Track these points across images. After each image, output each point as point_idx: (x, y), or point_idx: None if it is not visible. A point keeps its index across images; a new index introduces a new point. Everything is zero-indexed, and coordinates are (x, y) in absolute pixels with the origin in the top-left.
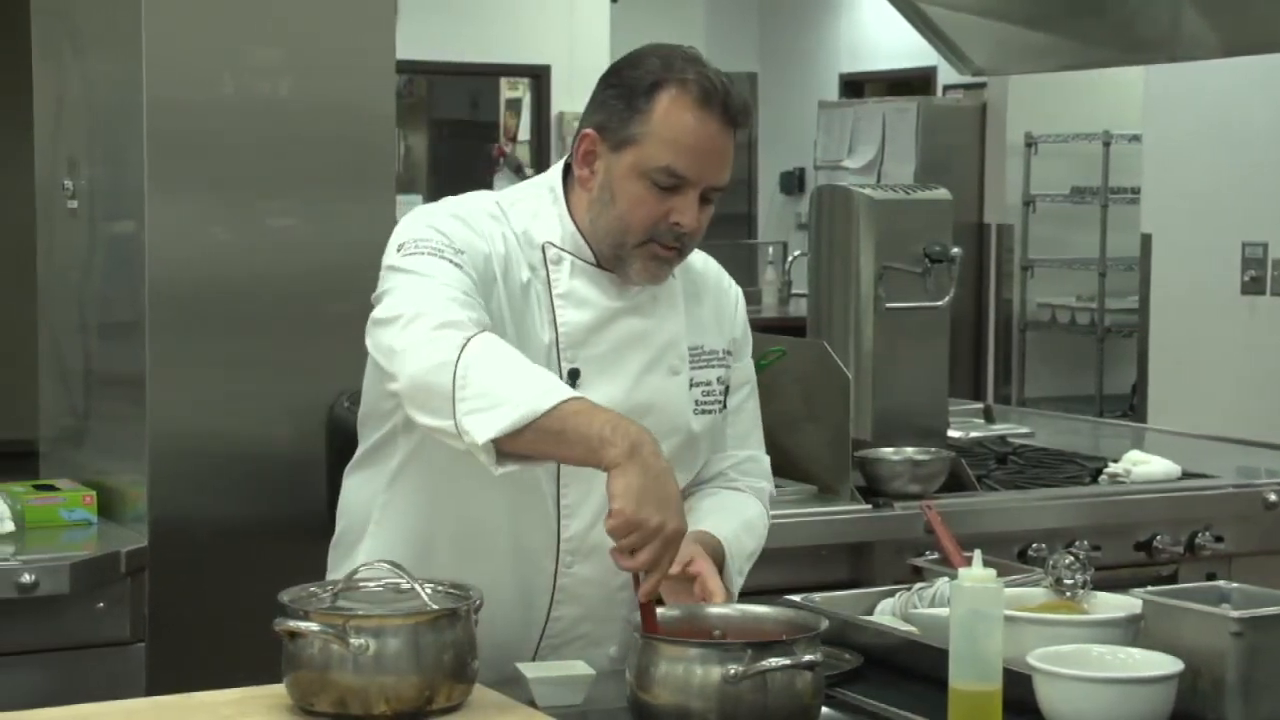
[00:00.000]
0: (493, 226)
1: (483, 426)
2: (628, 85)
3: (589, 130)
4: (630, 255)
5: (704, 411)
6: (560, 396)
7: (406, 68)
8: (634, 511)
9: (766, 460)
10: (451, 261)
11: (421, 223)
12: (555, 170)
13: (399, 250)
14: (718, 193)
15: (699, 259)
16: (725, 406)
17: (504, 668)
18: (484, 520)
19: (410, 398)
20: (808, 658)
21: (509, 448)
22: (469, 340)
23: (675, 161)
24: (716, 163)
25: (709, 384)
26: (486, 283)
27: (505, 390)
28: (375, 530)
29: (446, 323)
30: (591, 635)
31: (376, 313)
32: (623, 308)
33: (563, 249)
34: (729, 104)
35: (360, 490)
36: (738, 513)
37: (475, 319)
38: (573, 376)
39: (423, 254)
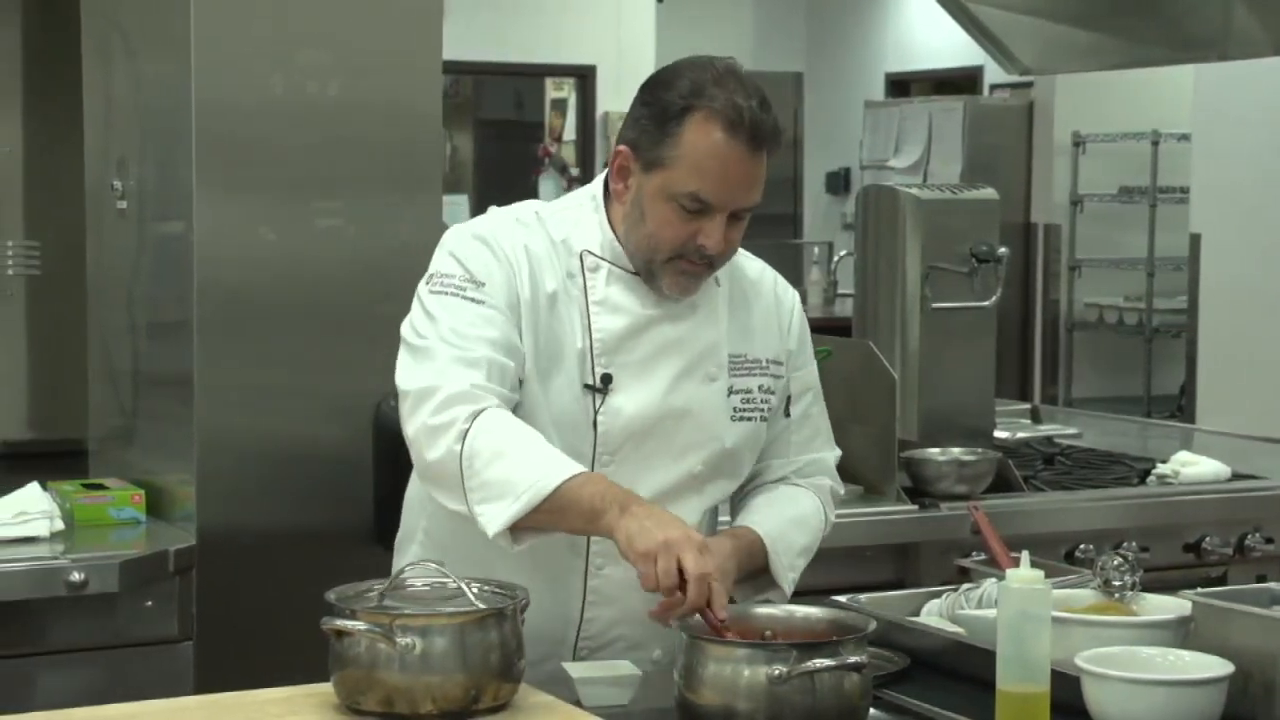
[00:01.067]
0: (516, 239)
1: (492, 517)
2: (660, 106)
3: (623, 146)
4: (660, 270)
5: (742, 419)
6: (560, 478)
7: (453, 68)
8: (642, 550)
9: (833, 457)
10: (471, 299)
11: (449, 250)
12: (599, 179)
13: (427, 282)
14: (749, 211)
15: (755, 267)
16: (767, 416)
17: (546, 667)
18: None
19: (428, 481)
20: (854, 659)
21: (523, 524)
22: (471, 423)
23: (701, 188)
24: (743, 188)
25: (749, 391)
26: (512, 302)
27: (509, 478)
28: (427, 526)
29: (450, 398)
30: (630, 638)
31: (401, 354)
32: (658, 315)
33: (601, 257)
34: (757, 130)
35: (416, 487)
36: (788, 507)
37: (482, 378)
38: (605, 381)
39: (446, 293)
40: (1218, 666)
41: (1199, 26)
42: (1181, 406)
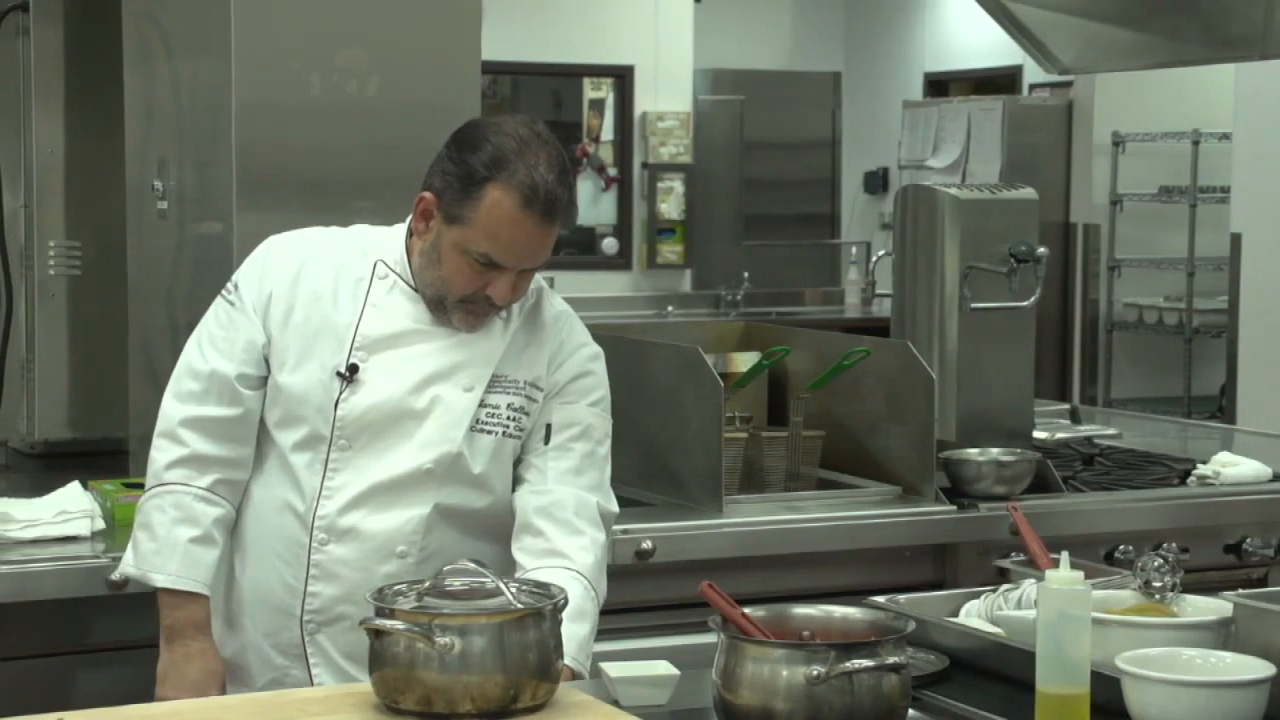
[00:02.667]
0: (300, 246)
1: (123, 560)
2: (466, 169)
3: (428, 194)
4: (451, 308)
5: (482, 430)
6: (154, 581)
7: (491, 68)
8: (166, 689)
9: (601, 503)
10: (229, 301)
11: (245, 262)
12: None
13: (226, 284)
14: (537, 268)
15: (554, 309)
16: (512, 434)
17: (282, 638)
18: (260, 487)
19: None
20: (892, 659)
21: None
22: (148, 496)
23: (493, 251)
24: (532, 253)
25: (496, 408)
26: (269, 309)
27: (141, 548)
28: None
29: (161, 434)
30: (355, 616)
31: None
32: (426, 329)
33: (392, 269)
34: (550, 206)
35: None
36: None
37: (197, 409)
38: (352, 370)
39: (223, 298)
40: (1259, 668)
41: (1239, 25)
42: (1222, 407)
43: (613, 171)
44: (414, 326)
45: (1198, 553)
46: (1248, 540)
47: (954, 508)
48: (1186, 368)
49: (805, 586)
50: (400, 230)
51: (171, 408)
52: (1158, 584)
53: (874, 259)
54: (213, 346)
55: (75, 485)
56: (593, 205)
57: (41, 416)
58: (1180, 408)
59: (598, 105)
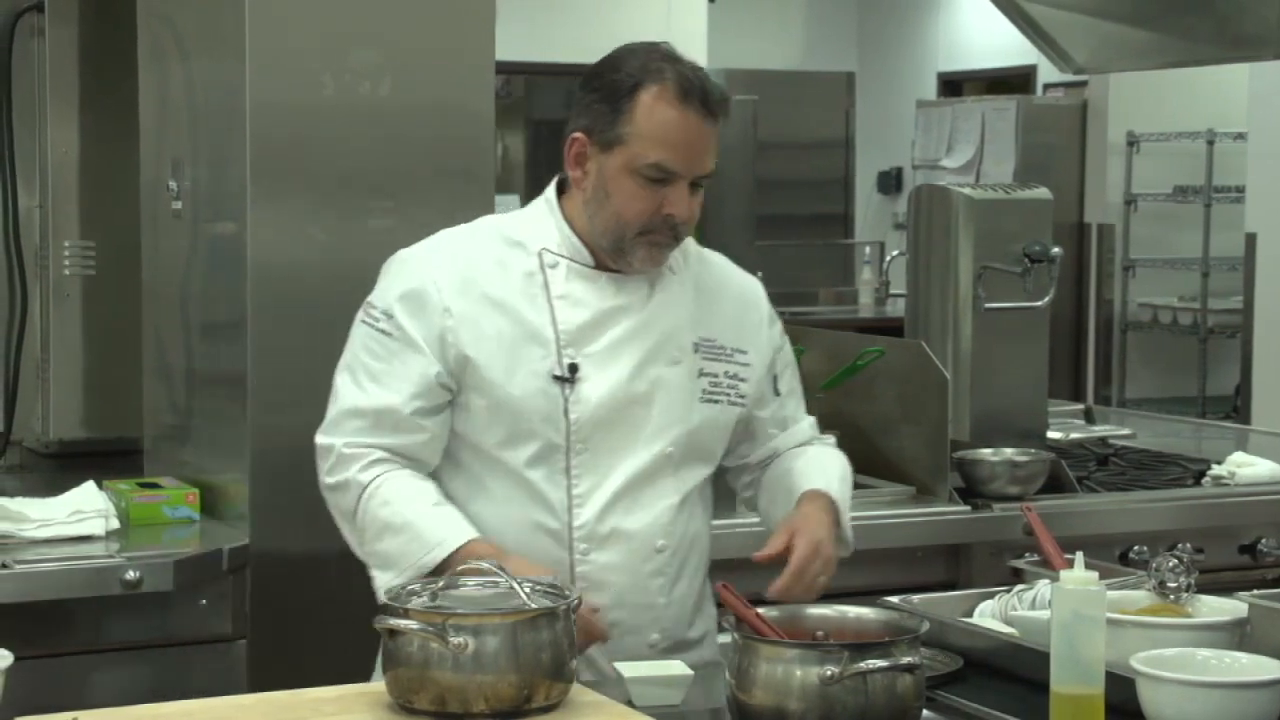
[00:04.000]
0: (452, 254)
1: (380, 584)
2: (610, 88)
3: (577, 134)
4: (630, 245)
5: (709, 400)
6: (436, 559)
7: (504, 68)
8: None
9: (811, 420)
10: (383, 331)
11: (385, 281)
12: (550, 186)
13: (363, 309)
14: (706, 179)
15: (716, 259)
16: (736, 402)
17: None
18: (497, 514)
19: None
20: (905, 660)
21: None
22: (359, 500)
23: (663, 157)
24: (701, 153)
25: (716, 376)
26: (450, 325)
27: (391, 554)
28: None
29: (342, 459)
30: (626, 623)
31: (334, 387)
32: (619, 306)
33: (559, 254)
34: (707, 97)
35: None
36: (831, 466)
37: (376, 435)
38: (572, 370)
39: (365, 322)
40: (1274, 669)
41: (1254, 25)
42: (1237, 407)
43: None
44: (605, 307)
45: (1212, 553)
46: (1263, 541)
47: (968, 508)
48: (1201, 368)
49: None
50: (538, 212)
51: (338, 446)
52: (1172, 584)
53: (888, 259)
54: (374, 382)
55: (90, 485)
56: None
57: (56, 416)
58: (1195, 408)
59: None
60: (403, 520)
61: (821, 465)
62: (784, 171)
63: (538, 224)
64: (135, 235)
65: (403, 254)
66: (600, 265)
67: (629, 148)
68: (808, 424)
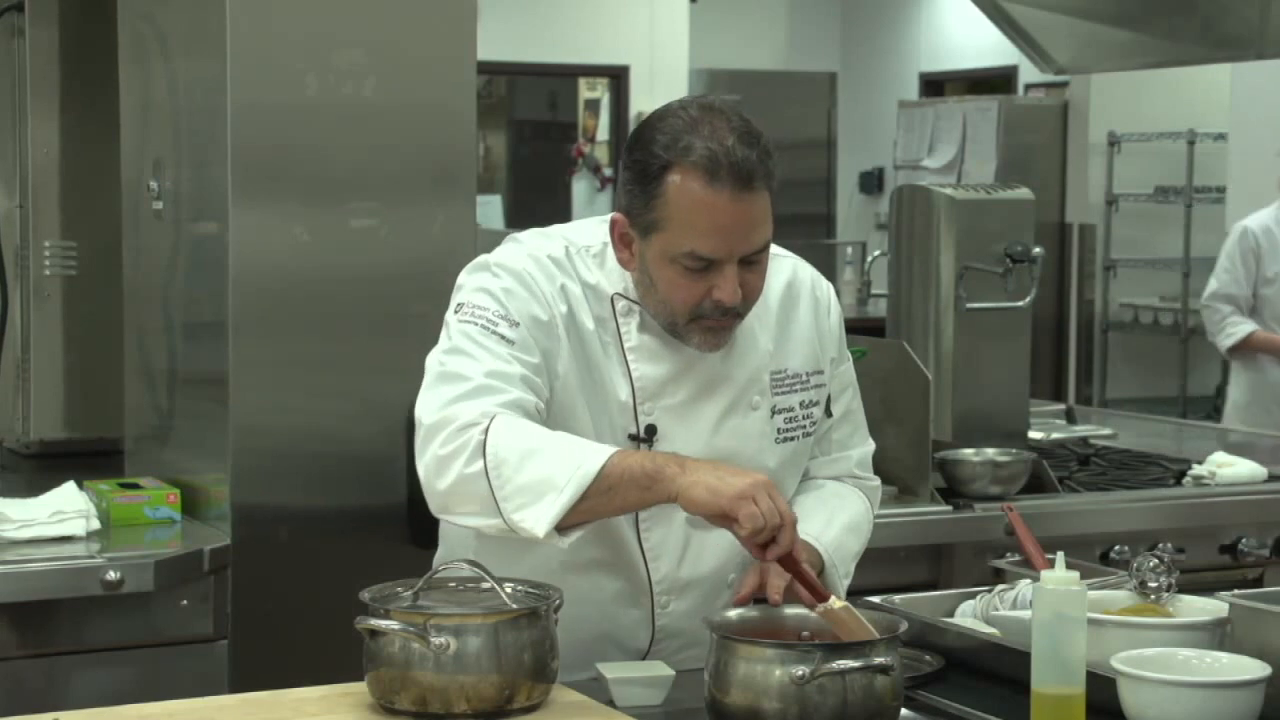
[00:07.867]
0: (553, 283)
1: (537, 520)
2: (640, 167)
3: (618, 215)
4: (685, 331)
5: (786, 439)
6: (597, 464)
7: (486, 68)
8: (737, 493)
9: (870, 450)
10: (504, 337)
11: (482, 283)
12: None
13: (456, 311)
14: (761, 253)
15: (786, 269)
16: (810, 431)
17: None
18: (575, 569)
19: (445, 511)
20: (879, 660)
21: (568, 520)
22: (487, 434)
23: (698, 245)
24: (742, 234)
25: (791, 410)
26: (549, 348)
27: (544, 476)
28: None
29: (462, 426)
30: (698, 657)
31: (426, 384)
32: (694, 355)
33: (632, 301)
34: (739, 171)
35: (453, 529)
36: (840, 512)
37: (502, 403)
38: (650, 432)
39: (476, 324)
40: (1255, 669)
41: (1235, 25)
42: (1218, 407)
43: (608, 172)
44: (679, 357)
45: (1193, 553)
46: (1243, 540)
47: (949, 508)
48: (1182, 368)
49: None
50: (604, 243)
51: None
52: (1153, 584)
53: (869, 259)
54: (482, 350)
55: (70, 485)
56: (589, 206)
57: (37, 416)
58: (1176, 408)
59: (593, 105)
60: (542, 440)
61: (829, 509)
62: None
63: (607, 263)
64: (116, 235)
65: (495, 263)
66: None
67: (664, 235)
68: (857, 455)
